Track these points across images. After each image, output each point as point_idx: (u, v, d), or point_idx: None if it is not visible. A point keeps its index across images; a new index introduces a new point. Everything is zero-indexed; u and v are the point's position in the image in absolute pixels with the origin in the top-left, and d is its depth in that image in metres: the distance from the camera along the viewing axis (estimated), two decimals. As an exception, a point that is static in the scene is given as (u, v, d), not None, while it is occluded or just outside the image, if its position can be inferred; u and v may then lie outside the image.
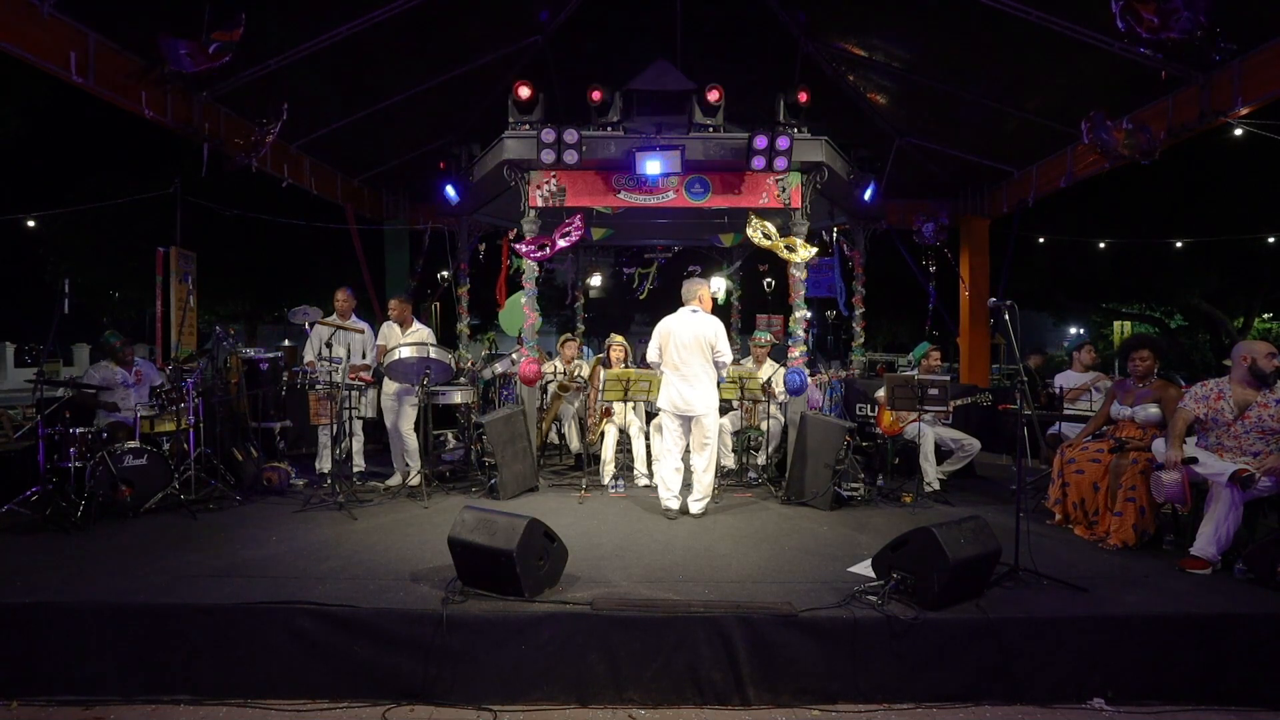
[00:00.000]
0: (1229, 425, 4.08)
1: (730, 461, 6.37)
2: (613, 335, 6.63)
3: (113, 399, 5.71)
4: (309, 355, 6.03)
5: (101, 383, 5.67)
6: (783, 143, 5.77)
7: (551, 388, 6.74)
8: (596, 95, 5.97)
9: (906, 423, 5.97)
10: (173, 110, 6.24)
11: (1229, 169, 12.66)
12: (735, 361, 5.86)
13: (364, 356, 6.16)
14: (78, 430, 4.91)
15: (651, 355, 5.28)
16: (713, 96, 5.93)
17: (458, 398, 6.23)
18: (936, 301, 10.26)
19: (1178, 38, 4.55)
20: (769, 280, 10.33)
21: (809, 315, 6.78)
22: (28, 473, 4.98)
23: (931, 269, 10.03)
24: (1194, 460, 3.98)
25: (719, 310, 6.45)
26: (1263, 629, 3.23)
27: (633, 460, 6.24)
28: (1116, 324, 21.28)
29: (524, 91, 5.98)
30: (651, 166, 5.76)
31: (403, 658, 3.13)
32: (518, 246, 6.30)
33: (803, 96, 5.84)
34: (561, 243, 6.19)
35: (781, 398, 6.19)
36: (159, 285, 7.78)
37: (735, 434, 6.39)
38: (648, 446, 6.13)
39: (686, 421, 5.12)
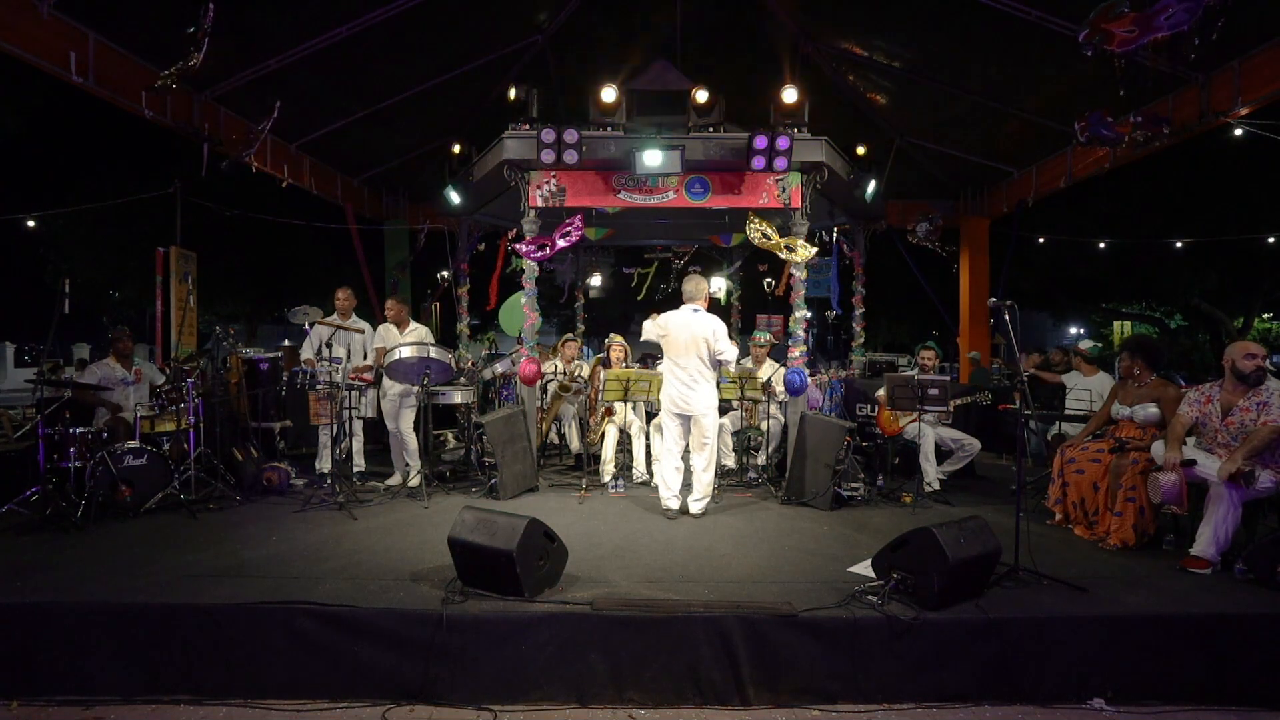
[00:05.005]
0: (1216, 429, 4.10)
1: (730, 461, 6.37)
2: (612, 335, 6.63)
3: (113, 398, 5.71)
4: (307, 353, 6.03)
5: (101, 381, 5.67)
6: (782, 143, 5.76)
7: (551, 388, 6.73)
8: (610, 98, 5.96)
9: (906, 423, 5.96)
10: (172, 110, 6.25)
11: (1229, 169, 12.65)
12: (736, 361, 5.85)
13: (364, 357, 6.16)
14: (78, 430, 4.91)
15: (650, 335, 5.27)
16: (701, 97, 5.93)
17: (458, 398, 6.23)
18: (934, 295, 10.29)
19: (1169, 33, 4.44)
20: (769, 280, 10.35)
21: (809, 315, 6.77)
22: (28, 473, 4.97)
23: (943, 254, 10.02)
24: (1193, 462, 3.98)
25: (719, 310, 6.44)
26: (1263, 629, 3.22)
27: (633, 460, 6.24)
28: (1116, 324, 21.29)
29: (514, 94, 6.01)
30: (652, 159, 5.73)
31: (403, 658, 3.12)
32: (517, 246, 6.30)
33: (795, 96, 5.84)
34: (561, 243, 6.19)
35: (781, 398, 6.19)
36: (159, 285, 7.79)
37: (735, 434, 6.38)
38: (648, 446, 6.13)
39: (686, 421, 5.12)
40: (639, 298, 10.33)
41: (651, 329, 5.29)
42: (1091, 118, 6.11)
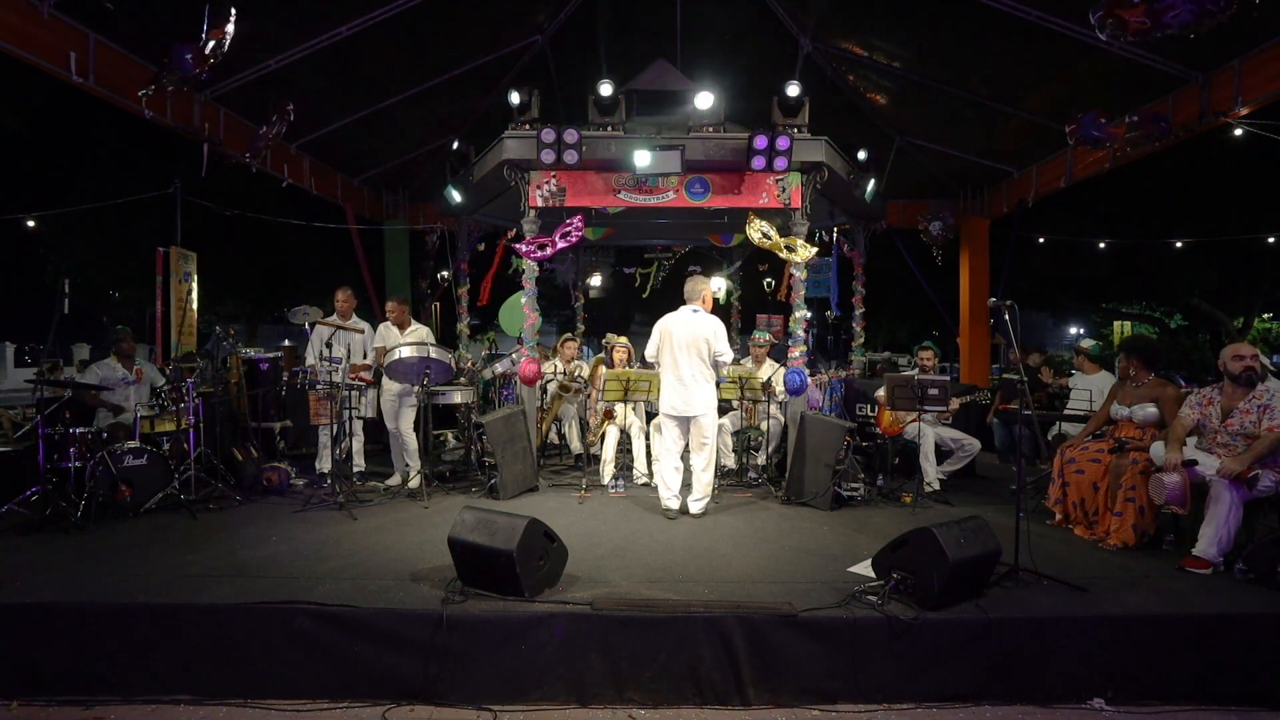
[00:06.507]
0: (1215, 430, 4.12)
1: (730, 461, 6.37)
2: (615, 338, 6.62)
3: (114, 399, 5.72)
4: (310, 358, 6.02)
5: (101, 382, 5.67)
6: (783, 143, 5.77)
7: (551, 388, 6.73)
8: (606, 89, 5.96)
9: (906, 423, 5.96)
10: (172, 110, 6.24)
11: (1229, 169, 12.66)
12: (736, 361, 5.85)
13: (364, 356, 6.16)
14: (78, 430, 4.91)
15: (649, 352, 5.30)
16: (702, 103, 5.94)
17: (458, 398, 6.23)
18: (935, 296, 10.30)
19: (1177, 29, 4.42)
20: (769, 280, 10.35)
21: (809, 315, 6.77)
22: (28, 473, 4.97)
23: (937, 259, 10.06)
24: (1194, 462, 3.98)
25: (719, 310, 6.44)
26: (1263, 629, 3.23)
27: (633, 460, 6.24)
28: (1116, 324, 21.29)
29: (515, 98, 6.02)
30: (642, 161, 5.73)
31: (403, 658, 3.13)
32: (518, 246, 6.30)
33: (793, 90, 5.83)
34: (561, 243, 6.19)
35: (781, 398, 6.19)
36: (159, 285, 7.78)
37: (735, 434, 6.38)
38: (648, 446, 6.13)
39: (685, 422, 5.11)
40: (644, 296, 10.33)
41: (651, 343, 5.29)
42: (1083, 119, 6.08)
